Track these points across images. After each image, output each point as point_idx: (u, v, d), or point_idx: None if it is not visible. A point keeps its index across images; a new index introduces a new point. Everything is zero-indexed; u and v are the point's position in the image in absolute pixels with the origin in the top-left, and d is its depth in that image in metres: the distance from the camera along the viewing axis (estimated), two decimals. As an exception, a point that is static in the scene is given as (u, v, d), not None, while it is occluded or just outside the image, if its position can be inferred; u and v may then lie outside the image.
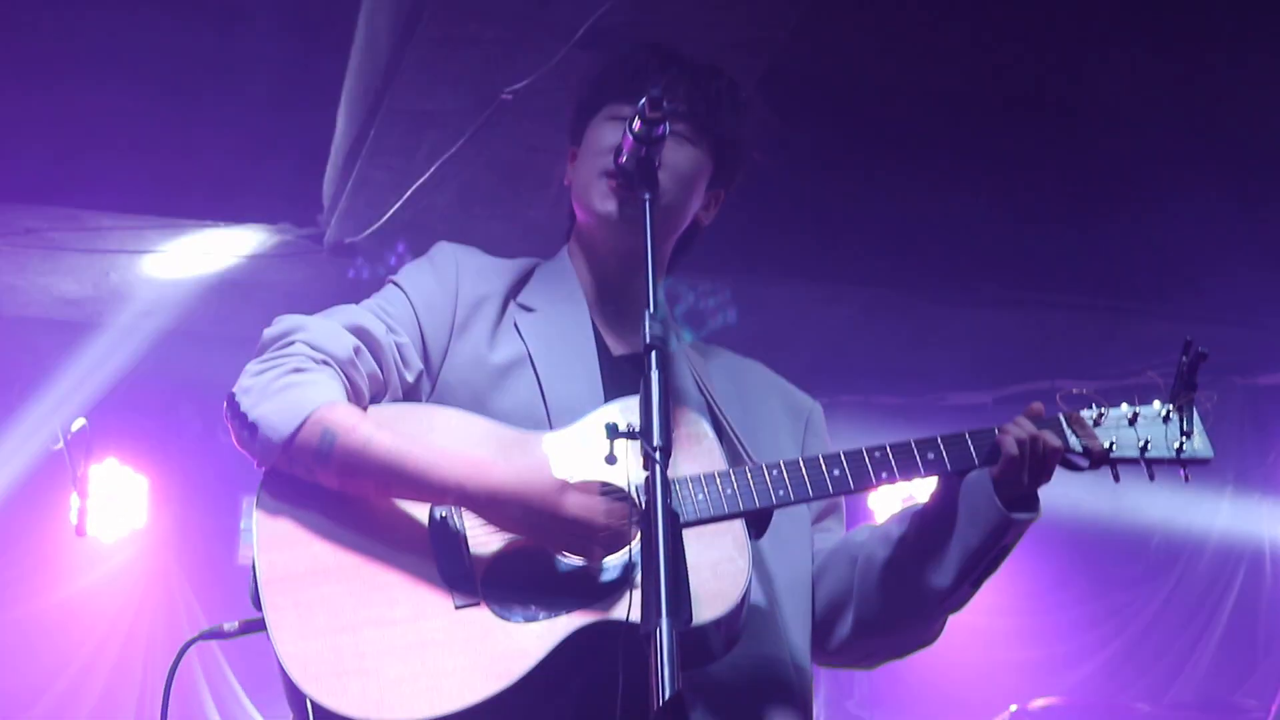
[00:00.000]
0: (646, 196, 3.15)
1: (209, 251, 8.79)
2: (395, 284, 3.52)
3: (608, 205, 3.45)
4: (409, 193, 8.06)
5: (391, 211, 8.22)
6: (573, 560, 3.08)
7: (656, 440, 2.75)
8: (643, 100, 3.07)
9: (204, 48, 7.21)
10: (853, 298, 9.75)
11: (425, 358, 3.40)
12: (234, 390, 3.21)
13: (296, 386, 3.14)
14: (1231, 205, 8.44)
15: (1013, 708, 10.02)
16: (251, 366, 3.24)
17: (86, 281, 9.27)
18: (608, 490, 3.10)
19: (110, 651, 10.36)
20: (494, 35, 6.62)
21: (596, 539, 3.05)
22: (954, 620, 3.53)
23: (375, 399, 3.32)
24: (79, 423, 9.18)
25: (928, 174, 8.17)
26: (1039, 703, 10.12)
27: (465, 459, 3.10)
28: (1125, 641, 11.69)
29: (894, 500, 10.53)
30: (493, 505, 3.05)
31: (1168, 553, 11.64)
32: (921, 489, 3.48)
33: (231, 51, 7.27)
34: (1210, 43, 7.27)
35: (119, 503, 10.26)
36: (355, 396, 3.24)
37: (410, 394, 3.38)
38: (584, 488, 3.05)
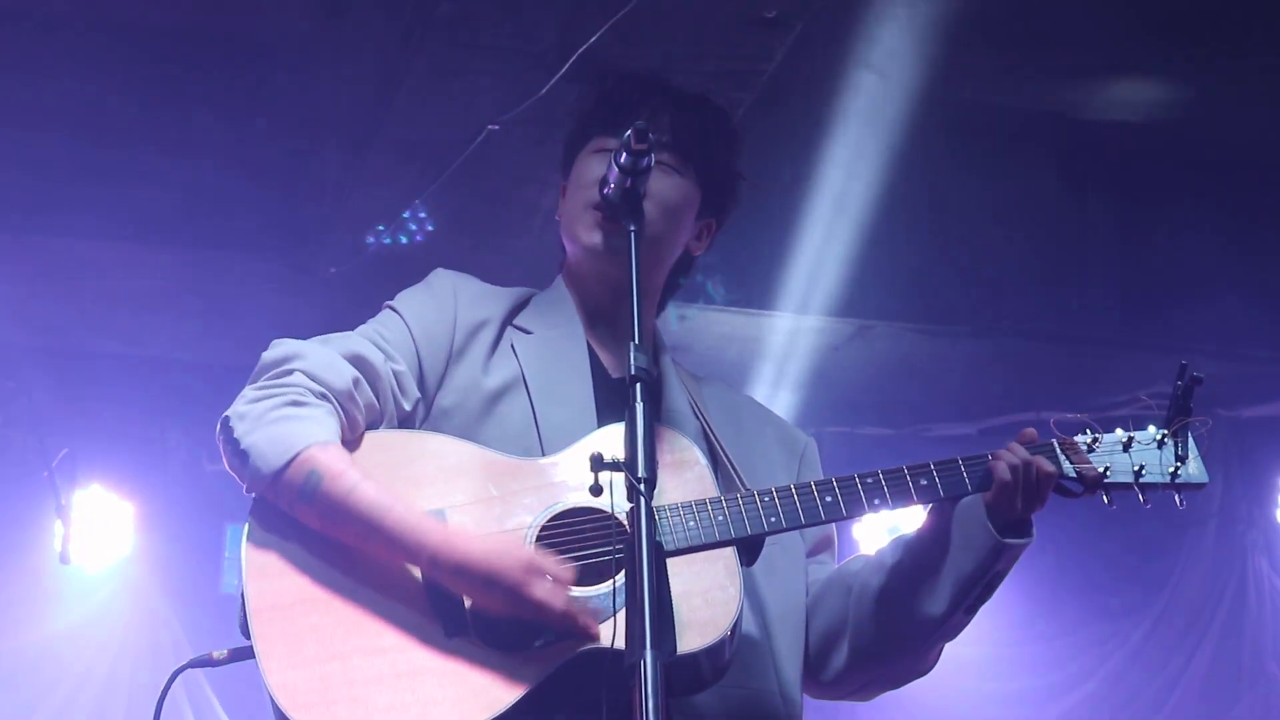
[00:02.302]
0: (631, 228, 3.16)
1: (195, 279, 8.79)
2: (393, 309, 3.51)
3: (593, 238, 3.46)
4: (396, 221, 8.08)
5: (378, 241, 8.23)
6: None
7: (641, 472, 2.76)
8: (628, 132, 3.08)
9: (190, 75, 7.21)
10: (838, 329, 9.76)
11: (422, 384, 3.40)
12: (228, 414, 3.20)
13: (291, 420, 3.14)
14: (1217, 237, 8.47)
15: (996, 738, 10.03)
16: (248, 392, 3.23)
17: (71, 309, 9.25)
18: (596, 521, 3.09)
19: (95, 680, 10.30)
20: (482, 67, 6.65)
21: (554, 628, 3.02)
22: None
23: (372, 426, 3.31)
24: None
25: (914, 204, 8.18)
26: (1023, 733, 10.12)
27: (441, 529, 3.09)
28: (1109, 673, 11.68)
29: (880, 530, 10.53)
30: (459, 579, 3.03)
31: (1152, 584, 11.65)
32: (907, 518, 3.47)
33: (217, 77, 7.27)
34: (1202, 77, 7.30)
35: (104, 530, 10.21)
36: (351, 428, 3.24)
37: (406, 421, 3.37)
38: (556, 574, 3.02)
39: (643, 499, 2.74)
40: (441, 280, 3.58)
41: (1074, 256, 8.80)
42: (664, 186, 3.47)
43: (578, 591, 3.05)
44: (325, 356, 3.29)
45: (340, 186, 7.84)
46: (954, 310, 9.42)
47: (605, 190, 3.27)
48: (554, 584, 3.01)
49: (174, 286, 8.88)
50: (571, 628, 3.00)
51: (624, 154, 3.12)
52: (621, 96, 3.58)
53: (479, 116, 7.02)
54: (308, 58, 7.18)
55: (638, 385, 2.87)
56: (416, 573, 3.10)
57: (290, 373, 3.23)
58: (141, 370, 9.84)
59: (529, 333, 3.53)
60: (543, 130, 6.89)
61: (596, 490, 2.89)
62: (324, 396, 3.21)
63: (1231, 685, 11.46)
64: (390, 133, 7.24)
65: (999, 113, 7.62)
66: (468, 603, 3.06)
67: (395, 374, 3.36)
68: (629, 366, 2.90)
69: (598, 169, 3.39)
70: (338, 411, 3.22)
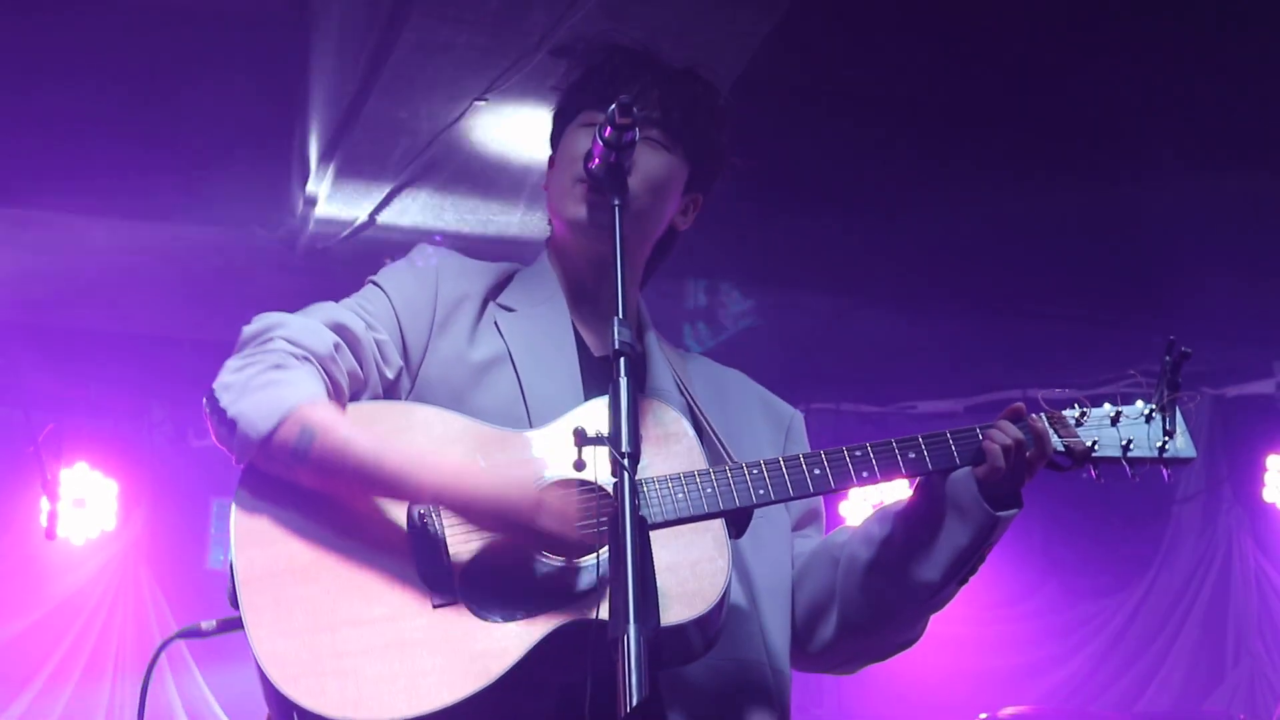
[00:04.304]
0: (616, 202, 3.16)
1: (181, 254, 8.78)
2: (375, 283, 3.51)
3: (578, 211, 3.45)
4: (382, 197, 8.07)
5: (364, 217, 8.23)
6: (552, 560, 3.08)
7: (625, 447, 2.76)
8: (612, 106, 3.08)
9: (177, 50, 7.19)
10: (824, 305, 9.77)
11: (405, 355, 3.40)
12: (213, 386, 3.19)
13: (276, 384, 3.14)
14: (1205, 218, 8.48)
15: (982, 716, 10.04)
16: (231, 363, 3.23)
17: (56, 284, 9.24)
18: (585, 492, 3.09)
19: (81, 655, 10.32)
20: (468, 42, 6.63)
21: (569, 551, 3.05)
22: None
23: (355, 396, 3.30)
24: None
25: (901, 182, 8.18)
26: (1008, 711, 10.14)
27: (444, 464, 3.10)
28: (1095, 650, 11.74)
29: (867, 507, 10.56)
30: (468, 513, 3.06)
31: (1137, 562, 11.69)
32: (890, 490, 3.47)
33: (204, 53, 7.25)
34: (1191, 57, 7.29)
35: (89, 506, 10.23)
36: (335, 393, 3.23)
37: (390, 391, 3.37)
38: (561, 498, 3.04)
39: (626, 474, 2.74)
40: (424, 255, 3.58)
41: (1059, 235, 8.80)
42: (650, 164, 3.46)
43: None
44: (306, 324, 3.29)
45: (325, 162, 7.82)
46: (939, 288, 9.44)
47: (590, 165, 3.27)
48: (561, 518, 3.03)
49: (160, 262, 8.88)
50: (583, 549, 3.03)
51: (608, 128, 3.12)
52: (611, 70, 3.56)
53: (466, 91, 7.01)
54: (295, 31, 7.15)
55: (621, 360, 2.87)
56: (405, 542, 3.10)
57: (271, 340, 3.23)
58: (127, 346, 9.85)
59: (512, 310, 3.53)
60: (530, 105, 6.88)
61: (580, 466, 2.89)
62: (305, 359, 3.22)
63: (1217, 662, 11.51)
64: (377, 108, 7.22)
65: (985, 91, 7.61)
66: (457, 573, 3.06)
67: (377, 342, 3.36)
68: (612, 341, 2.90)
69: (584, 142, 3.38)
70: (320, 373, 3.22)
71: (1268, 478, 11.16)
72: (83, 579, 10.43)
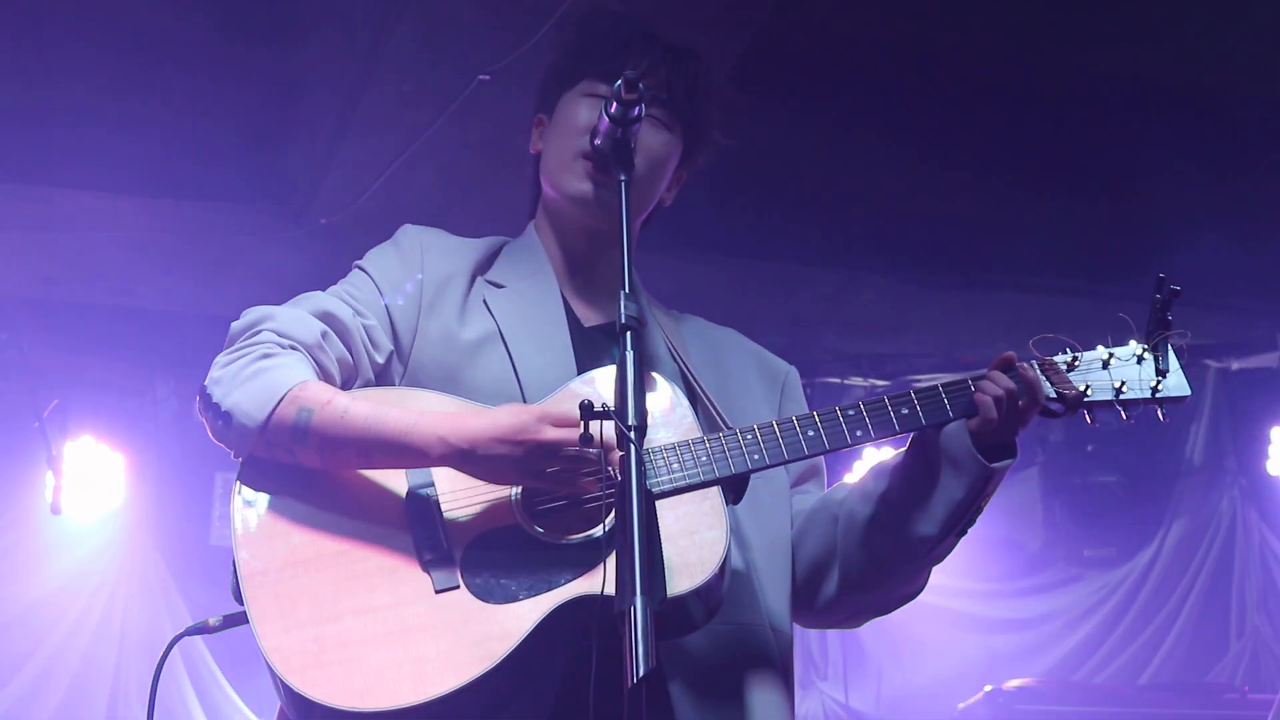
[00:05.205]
0: (623, 178, 3.14)
1: (186, 230, 8.78)
2: (360, 268, 3.53)
3: (582, 186, 3.46)
4: (386, 173, 8.06)
5: (369, 191, 8.22)
6: (549, 537, 3.08)
7: (631, 420, 2.76)
8: (618, 82, 3.08)
9: (182, 28, 7.18)
10: (827, 280, 9.76)
11: (395, 339, 3.41)
12: (205, 383, 3.22)
13: (267, 371, 3.16)
14: (1208, 189, 8.47)
15: (987, 689, 10.06)
16: (221, 358, 3.25)
17: (62, 260, 9.24)
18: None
19: (87, 628, 10.32)
20: (473, 16, 6.63)
21: (581, 466, 3.04)
22: (927, 601, 3.51)
23: (347, 384, 3.33)
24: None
25: (904, 157, 8.17)
26: (1013, 684, 10.15)
27: (443, 415, 3.11)
28: (1098, 624, 11.74)
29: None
30: (476, 452, 3.05)
31: (1141, 536, 11.71)
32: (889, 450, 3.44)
33: (209, 30, 7.24)
34: (1189, 30, 7.28)
35: (95, 481, 10.22)
36: (325, 379, 3.25)
37: (382, 376, 3.39)
38: (564, 420, 3.03)
39: (633, 447, 2.73)
40: (408, 236, 3.60)
41: (1061, 209, 8.80)
42: (653, 142, 3.48)
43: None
44: (293, 315, 3.32)
45: (331, 137, 7.82)
46: (942, 263, 9.44)
47: (595, 141, 3.28)
48: (566, 427, 3.02)
49: (165, 237, 8.87)
50: (589, 463, 3.02)
51: (614, 104, 3.12)
52: (617, 43, 3.56)
53: (470, 66, 7.00)
54: (300, 6, 7.14)
55: (628, 334, 2.86)
56: (405, 528, 3.11)
57: (259, 333, 3.26)
58: (132, 321, 9.85)
59: (501, 286, 3.54)
60: (534, 80, 6.87)
61: (587, 439, 2.89)
62: (293, 348, 3.24)
63: (1221, 634, 11.53)
64: (381, 83, 7.22)
65: (985, 65, 7.60)
66: (457, 556, 3.07)
67: (365, 328, 3.38)
68: (619, 314, 2.88)
69: (586, 115, 3.41)
70: (310, 361, 3.24)
71: (1272, 450, 11.17)
72: (88, 554, 10.41)
